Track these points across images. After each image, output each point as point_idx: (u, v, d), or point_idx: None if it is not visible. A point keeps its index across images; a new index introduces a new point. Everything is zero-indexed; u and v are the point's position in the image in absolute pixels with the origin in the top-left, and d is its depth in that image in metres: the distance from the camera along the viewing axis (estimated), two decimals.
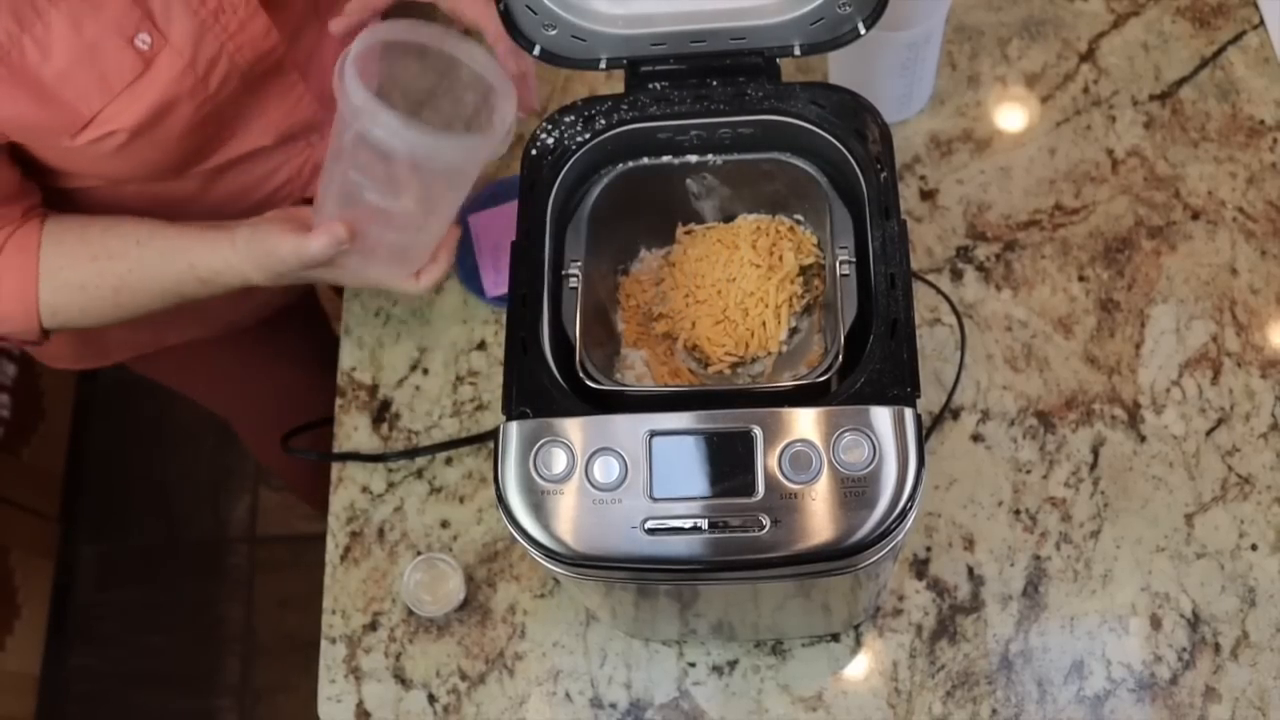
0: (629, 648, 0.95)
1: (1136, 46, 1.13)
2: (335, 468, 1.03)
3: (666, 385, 0.77)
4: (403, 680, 0.96)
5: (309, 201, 0.98)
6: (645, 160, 0.78)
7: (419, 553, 1.00)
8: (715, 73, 0.76)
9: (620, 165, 0.78)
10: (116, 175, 0.91)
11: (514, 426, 0.67)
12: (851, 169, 0.74)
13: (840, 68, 1.07)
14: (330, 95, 0.79)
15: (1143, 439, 0.98)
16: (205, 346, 1.20)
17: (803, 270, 0.79)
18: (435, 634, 0.97)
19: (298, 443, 1.08)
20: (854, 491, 0.64)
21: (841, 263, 0.73)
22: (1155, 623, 0.92)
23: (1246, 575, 0.93)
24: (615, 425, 0.66)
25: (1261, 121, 1.09)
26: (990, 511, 0.97)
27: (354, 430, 1.05)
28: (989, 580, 0.94)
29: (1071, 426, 0.99)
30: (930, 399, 1.00)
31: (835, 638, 0.94)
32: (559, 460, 0.66)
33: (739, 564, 0.65)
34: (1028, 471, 0.98)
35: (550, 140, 0.77)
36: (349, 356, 1.08)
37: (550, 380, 0.69)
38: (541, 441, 0.66)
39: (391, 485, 1.03)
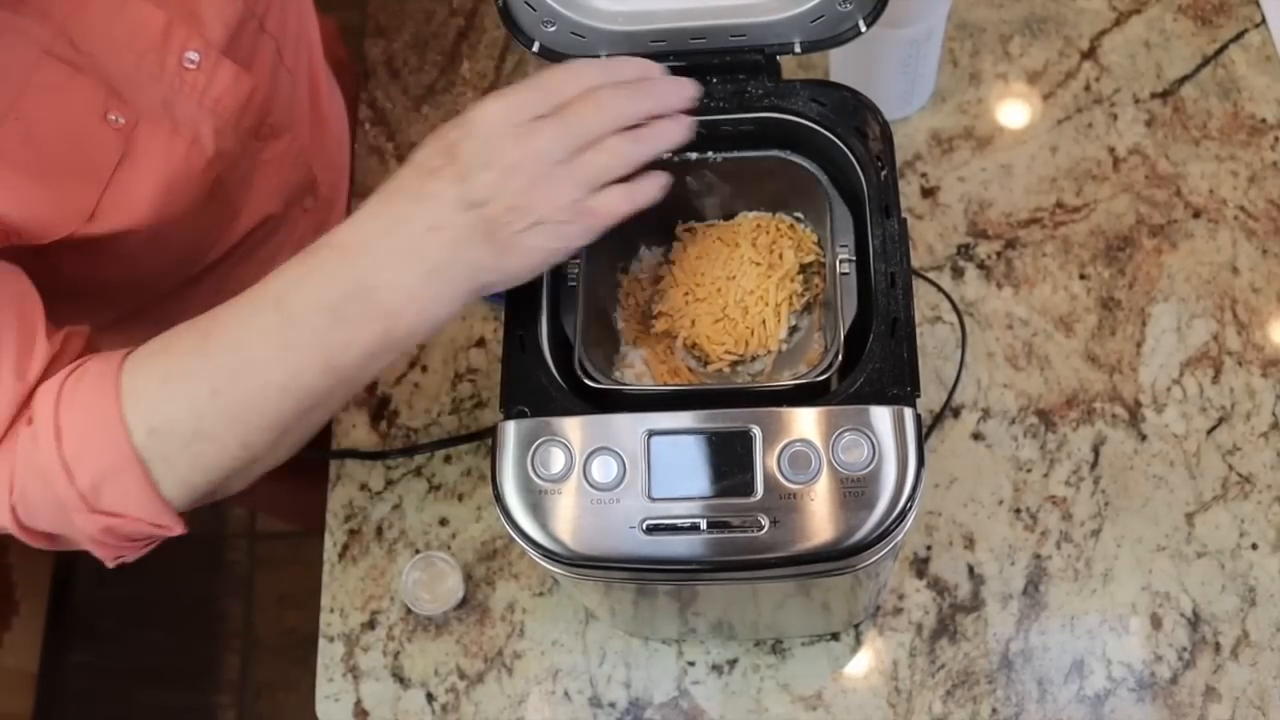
0: (628, 646, 0.95)
1: (1138, 44, 1.13)
2: (333, 465, 1.03)
3: (665, 384, 0.77)
4: (401, 679, 0.96)
5: None
6: None
7: (417, 551, 0.99)
8: (715, 70, 0.76)
9: None
10: (140, 271, 0.88)
11: (511, 425, 0.66)
12: (852, 166, 0.74)
13: (841, 65, 1.07)
14: (316, 149, 0.74)
15: (1143, 438, 0.98)
16: None
17: (803, 268, 0.79)
18: (434, 632, 0.97)
19: None
20: (854, 491, 0.63)
21: (842, 261, 0.72)
22: (1156, 622, 0.92)
23: (1247, 574, 0.93)
24: (614, 424, 0.66)
25: (1263, 120, 1.09)
26: (991, 510, 0.96)
27: (352, 427, 1.04)
28: (989, 579, 0.94)
29: (1072, 425, 0.98)
30: (931, 397, 0.99)
31: (835, 637, 0.94)
32: (557, 460, 0.65)
33: (738, 564, 0.64)
34: (1028, 470, 0.97)
35: None
36: None
37: (548, 379, 0.69)
38: (539, 441, 0.66)
39: (390, 483, 1.02)
